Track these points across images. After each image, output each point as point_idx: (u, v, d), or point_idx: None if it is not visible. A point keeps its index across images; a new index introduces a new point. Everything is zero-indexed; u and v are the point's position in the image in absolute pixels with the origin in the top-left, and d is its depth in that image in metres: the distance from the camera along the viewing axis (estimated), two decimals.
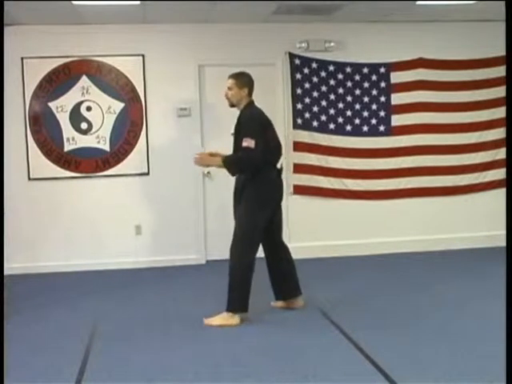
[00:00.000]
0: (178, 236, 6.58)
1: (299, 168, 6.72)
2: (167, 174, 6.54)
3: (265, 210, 4.48)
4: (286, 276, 4.73)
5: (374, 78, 6.76)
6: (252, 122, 4.46)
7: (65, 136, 6.43)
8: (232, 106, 4.64)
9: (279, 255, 4.72)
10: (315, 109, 6.69)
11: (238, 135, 4.48)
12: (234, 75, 4.64)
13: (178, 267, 6.40)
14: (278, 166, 4.63)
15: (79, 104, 6.42)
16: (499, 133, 6.80)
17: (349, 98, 6.75)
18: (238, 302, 4.42)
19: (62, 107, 6.40)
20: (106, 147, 6.48)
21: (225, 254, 6.25)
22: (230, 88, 4.56)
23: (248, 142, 4.32)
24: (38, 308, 4.53)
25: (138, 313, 4.80)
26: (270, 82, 6.64)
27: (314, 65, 6.66)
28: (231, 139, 6.52)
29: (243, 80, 4.58)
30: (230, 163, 4.45)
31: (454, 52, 6.79)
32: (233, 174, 4.58)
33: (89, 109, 6.44)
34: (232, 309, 4.41)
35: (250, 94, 4.63)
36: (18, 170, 6.35)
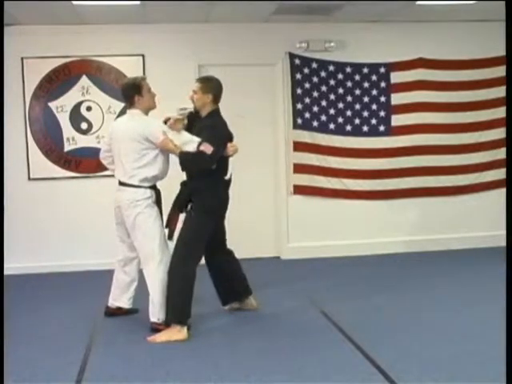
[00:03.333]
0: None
1: (299, 168, 6.71)
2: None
3: (210, 223, 4.33)
4: (234, 276, 4.64)
5: (373, 78, 6.76)
6: (217, 131, 4.31)
7: (65, 136, 6.43)
8: (196, 111, 4.48)
9: (223, 258, 4.61)
10: (315, 109, 6.68)
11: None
12: (201, 79, 4.56)
13: None
14: (228, 176, 4.45)
15: (79, 104, 6.42)
16: (499, 133, 6.80)
17: (349, 98, 6.75)
18: (184, 311, 4.17)
19: (62, 107, 6.40)
20: None
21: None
22: (194, 91, 4.42)
23: (206, 148, 4.14)
24: (37, 308, 4.53)
25: (138, 313, 4.79)
26: (270, 82, 6.65)
27: (314, 65, 6.65)
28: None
29: (209, 85, 4.43)
30: (182, 157, 4.23)
31: (454, 52, 6.79)
32: (182, 169, 4.41)
33: (89, 109, 6.44)
34: (181, 319, 4.14)
35: (216, 101, 4.46)
36: (18, 170, 6.34)
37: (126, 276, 4.58)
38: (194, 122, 4.48)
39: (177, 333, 4.11)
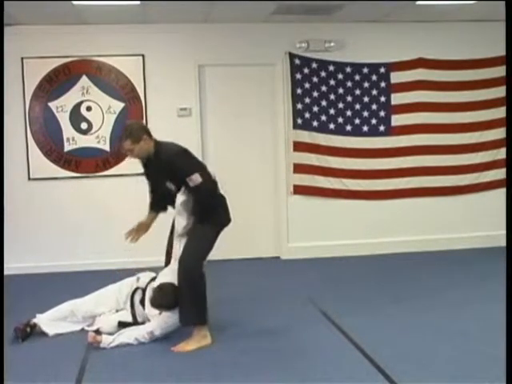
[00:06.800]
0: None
1: (299, 168, 6.71)
2: None
3: (219, 232, 4.21)
4: None
5: (373, 78, 6.76)
6: (181, 161, 4.05)
7: (65, 136, 6.43)
8: (143, 160, 4.26)
9: None
10: (315, 109, 6.68)
11: (160, 176, 4.15)
12: (124, 135, 4.12)
13: None
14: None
15: (79, 104, 6.42)
16: (499, 133, 6.80)
17: (349, 98, 6.75)
18: (203, 314, 4.06)
19: (62, 107, 6.40)
20: (106, 147, 6.48)
21: (224, 254, 6.28)
22: (130, 150, 4.12)
23: (195, 180, 3.95)
24: (37, 308, 4.52)
25: None
26: (270, 82, 6.65)
27: (314, 65, 6.65)
28: (231, 139, 6.54)
29: (135, 133, 4.10)
30: (201, 216, 4.07)
31: (454, 52, 6.79)
32: (204, 218, 4.13)
33: (89, 109, 6.44)
34: (203, 321, 4.05)
35: (150, 135, 4.18)
36: (18, 170, 6.35)
37: None
38: (148, 170, 4.32)
39: (204, 338, 4.02)
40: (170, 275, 4.14)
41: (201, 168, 4.10)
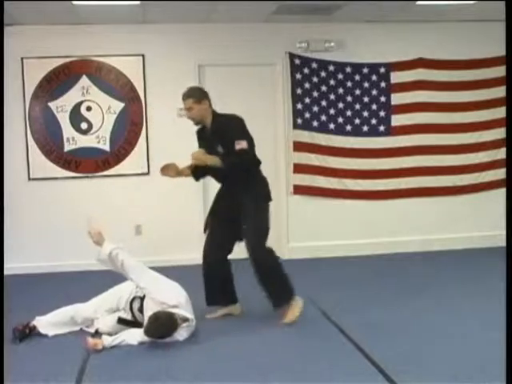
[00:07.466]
0: (177, 236, 6.57)
1: (299, 168, 6.71)
2: None
3: (268, 207, 4.46)
4: (231, 279, 4.64)
5: (374, 78, 6.76)
6: (237, 125, 4.37)
7: (65, 136, 6.43)
8: (198, 123, 4.47)
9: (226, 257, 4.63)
10: (315, 109, 6.68)
11: (215, 140, 4.34)
12: (187, 94, 4.38)
13: (178, 267, 6.37)
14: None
15: (79, 104, 6.42)
16: (499, 133, 6.80)
17: (349, 98, 6.75)
18: (290, 287, 4.38)
19: (62, 107, 6.40)
20: (106, 147, 6.48)
21: None
22: (189, 108, 4.36)
23: (241, 145, 4.23)
24: (37, 308, 4.52)
25: None
26: (270, 82, 6.65)
27: (314, 65, 6.66)
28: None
29: (198, 95, 4.38)
30: (228, 163, 4.28)
31: (454, 52, 6.79)
32: (221, 179, 4.48)
33: (89, 109, 6.45)
34: (293, 293, 4.38)
35: (211, 104, 4.42)
36: (18, 170, 6.35)
37: None
38: (201, 136, 4.50)
39: (297, 304, 4.37)
40: (167, 291, 4.14)
41: (251, 142, 4.35)
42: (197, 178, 4.68)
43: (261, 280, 4.34)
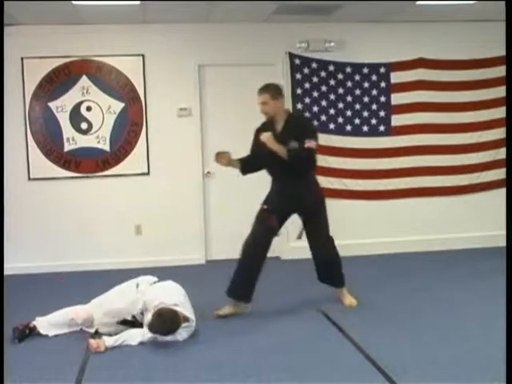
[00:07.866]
0: (177, 236, 6.58)
1: None
2: (167, 174, 6.54)
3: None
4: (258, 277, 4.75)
5: (374, 78, 6.76)
6: (312, 126, 4.94)
7: (65, 136, 6.43)
8: (271, 117, 4.68)
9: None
10: (315, 109, 6.68)
11: (290, 135, 4.53)
12: (264, 89, 4.65)
13: (178, 267, 6.38)
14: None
15: (79, 104, 6.42)
16: (499, 133, 6.80)
17: (349, 98, 6.75)
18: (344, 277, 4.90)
19: (62, 107, 6.40)
20: (106, 147, 6.48)
21: (225, 254, 6.28)
22: (264, 103, 4.61)
23: (311, 144, 4.48)
24: (37, 308, 4.53)
25: None
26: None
27: (314, 65, 6.65)
28: (231, 138, 6.53)
29: (275, 91, 4.65)
30: (293, 156, 4.45)
31: (454, 52, 6.79)
32: (277, 173, 4.69)
33: (89, 109, 6.44)
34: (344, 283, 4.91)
35: (284, 103, 4.75)
36: (18, 170, 6.35)
37: None
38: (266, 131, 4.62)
39: (348, 293, 4.94)
40: (173, 295, 4.16)
41: (317, 144, 4.64)
42: (244, 172, 4.88)
43: (328, 268, 4.85)
